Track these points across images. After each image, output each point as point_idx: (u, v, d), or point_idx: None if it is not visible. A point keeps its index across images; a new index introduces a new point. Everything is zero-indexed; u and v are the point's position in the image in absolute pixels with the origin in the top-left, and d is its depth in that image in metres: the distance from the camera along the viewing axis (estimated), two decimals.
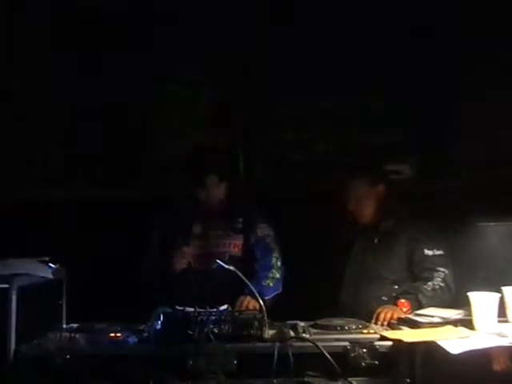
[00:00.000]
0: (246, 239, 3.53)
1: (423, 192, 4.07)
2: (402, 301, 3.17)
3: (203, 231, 3.52)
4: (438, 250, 3.31)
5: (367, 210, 3.45)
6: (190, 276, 3.42)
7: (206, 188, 3.49)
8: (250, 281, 3.02)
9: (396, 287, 3.32)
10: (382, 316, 3.06)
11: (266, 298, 3.27)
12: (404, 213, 3.45)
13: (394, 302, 3.21)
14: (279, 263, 3.50)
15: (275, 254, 3.51)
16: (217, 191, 3.52)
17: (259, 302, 2.93)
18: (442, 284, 3.23)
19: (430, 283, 3.23)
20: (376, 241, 3.43)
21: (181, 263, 3.42)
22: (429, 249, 3.31)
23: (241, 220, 3.56)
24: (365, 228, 3.49)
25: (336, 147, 4.67)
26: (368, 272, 3.39)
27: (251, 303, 3.20)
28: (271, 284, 3.41)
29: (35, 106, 4.70)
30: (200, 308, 2.90)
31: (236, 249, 3.51)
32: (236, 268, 3.01)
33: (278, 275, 3.46)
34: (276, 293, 3.42)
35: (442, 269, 3.26)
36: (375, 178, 3.51)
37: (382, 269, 3.38)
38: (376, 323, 3.05)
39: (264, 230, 3.55)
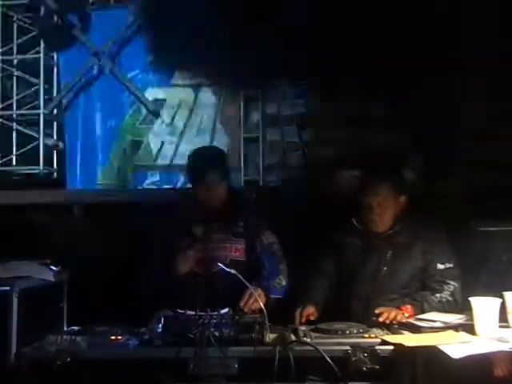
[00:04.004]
0: (251, 246, 3.50)
1: (424, 195, 4.06)
2: (407, 306, 3.15)
3: (204, 234, 3.49)
4: (449, 262, 3.30)
5: (387, 220, 3.36)
6: (190, 279, 3.40)
7: (206, 186, 3.46)
8: (257, 281, 3.01)
9: (406, 299, 3.29)
10: (385, 315, 3.05)
11: (272, 296, 3.27)
12: (415, 222, 3.39)
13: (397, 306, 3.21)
14: (286, 271, 3.48)
15: (284, 264, 3.49)
16: (217, 191, 3.49)
17: (266, 298, 2.93)
18: (449, 298, 3.22)
19: (438, 295, 3.22)
20: (389, 255, 3.35)
21: (184, 267, 3.40)
22: (441, 263, 3.29)
23: (242, 224, 3.53)
24: (374, 237, 3.41)
25: (337, 149, 4.68)
26: (381, 286, 3.34)
27: (255, 304, 3.17)
28: (277, 287, 3.40)
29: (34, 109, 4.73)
30: (201, 311, 2.90)
31: (237, 253, 3.48)
32: (238, 272, 3.00)
33: (284, 282, 3.44)
34: (278, 296, 3.40)
35: (452, 282, 3.25)
36: (400, 187, 3.42)
37: (395, 284, 3.33)
38: (379, 322, 3.04)
39: (269, 238, 3.52)
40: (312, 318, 3.11)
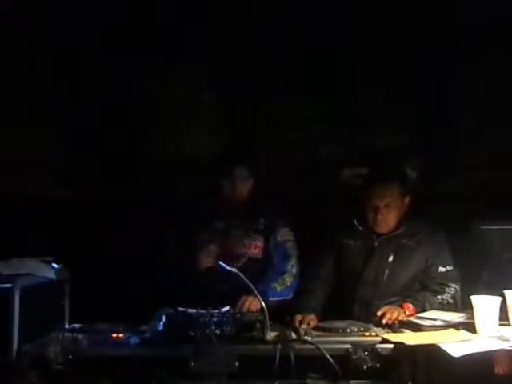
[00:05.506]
0: (267, 242, 3.50)
1: (424, 195, 4.05)
2: (409, 305, 3.16)
3: (224, 230, 3.49)
4: (450, 265, 3.32)
5: (391, 222, 3.36)
6: (192, 277, 3.39)
7: (233, 180, 3.44)
8: (260, 281, 3.01)
9: (407, 299, 3.28)
10: (388, 315, 3.06)
11: (270, 299, 3.24)
12: (416, 223, 3.40)
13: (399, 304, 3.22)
14: (294, 270, 3.44)
15: (292, 262, 3.46)
16: (243, 186, 3.47)
17: (261, 304, 2.92)
18: (450, 300, 3.24)
19: (439, 297, 3.23)
20: (391, 258, 3.35)
21: (206, 261, 3.39)
22: (443, 266, 3.31)
23: (262, 221, 3.50)
24: (375, 239, 3.40)
25: (338, 149, 4.68)
26: (382, 289, 3.34)
27: (253, 303, 3.18)
28: (278, 288, 3.37)
29: (37, 107, 4.71)
30: (202, 309, 2.91)
31: (256, 250, 3.46)
32: (255, 270, 2.99)
33: (289, 282, 3.40)
34: (283, 298, 3.37)
35: (453, 285, 3.27)
36: (406, 188, 3.41)
37: (397, 286, 3.34)
38: (380, 322, 3.05)
39: (285, 235, 3.49)
40: (312, 324, 3.11)
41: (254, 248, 3.46)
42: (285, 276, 3.42)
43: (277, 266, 3.45)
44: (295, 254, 3.50)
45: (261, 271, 3.05)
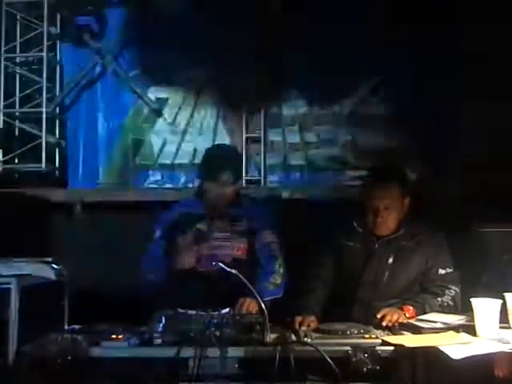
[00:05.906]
0: (251, 243, 3.51)
1: (424, 196, 4.06)
2: (410, 307, 3.16)
3: (207, 232, 3.50)
4: (450, 267, 3.31)
5: (391, 224, 3.34)
6: (192, 278, 3.40)
7: (217, 184, 3.44)
8: (251, 283, 3.01)
9: (407, 301, 3.27)
10: (388, 318, 3.05)
11: (265, 298, 3.22)
12: (416, 225, 3.39)
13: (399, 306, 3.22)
14: (282, 270, 3.46)
15: (279, 262, 3.47)
16: (227, 190, 3.47)
17: (260, 305, 2.92)
18: (450, 303, 3.22)
19: (439, 299, 3.22)
20: (391, 260, 3.34)
21: (189, 261, 3.40)
22: (443, 268, 3.30)
23: (245, 223, 3.53)
24: (375, 241, 3.39)
25: (338, 149, 4.69)
26: (382, 291, 3.33)
27: (251, 305, 3.19)
28: (271, 287, 3.38)
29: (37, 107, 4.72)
30: (202, 311, 2.90)
31: (239, 252, 3.48)
32: (239, 271, 2.99)
33: (279, 281, 3.42)
34: (275, 297, 3.38)
35: (453, 287, 3.26)
36: (405, 189, 3.39)
37: (396, 288, 3.33)
38: (381, 324, 3.04)
39: (269, 237, 3.51)
40: (313, 326, 3.11)
41: (237, 250, 3.47)
42: (274, 275, 3.44)
43: (265, 267, 3.47)
44: (280, 255, 3.52)
45: (245, 272, 3.05)
